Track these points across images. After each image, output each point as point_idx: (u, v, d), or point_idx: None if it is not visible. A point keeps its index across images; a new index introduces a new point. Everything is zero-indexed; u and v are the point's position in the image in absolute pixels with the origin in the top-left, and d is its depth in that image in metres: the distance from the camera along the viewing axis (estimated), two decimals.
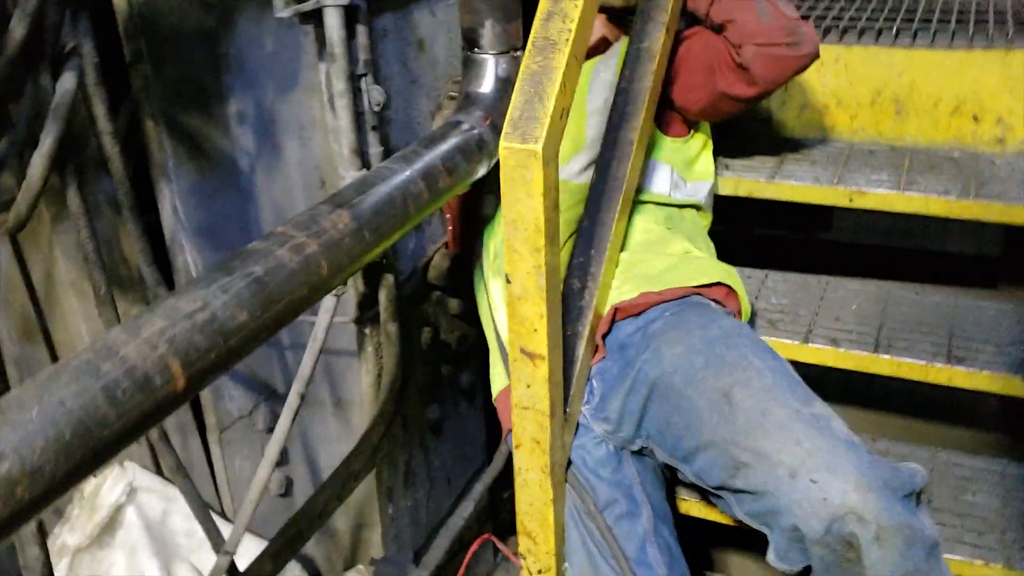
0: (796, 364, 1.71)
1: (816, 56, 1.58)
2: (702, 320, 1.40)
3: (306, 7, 1.38)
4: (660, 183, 1.66)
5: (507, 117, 1.20)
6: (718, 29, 1.59)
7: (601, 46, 1.86)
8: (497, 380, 1.64)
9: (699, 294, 1.50)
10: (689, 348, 1.34)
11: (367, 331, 1.70)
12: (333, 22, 1.39)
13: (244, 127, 1.85)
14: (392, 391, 1.71)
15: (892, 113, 1.99)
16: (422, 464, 1.97)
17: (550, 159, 1.20)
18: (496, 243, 1.65)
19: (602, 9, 1.83)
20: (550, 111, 1.18)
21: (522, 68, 1.21)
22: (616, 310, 1.49)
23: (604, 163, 1.55)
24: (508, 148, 1.19)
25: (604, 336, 1.49)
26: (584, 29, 1.23)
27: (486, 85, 1.57)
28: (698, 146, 1.73)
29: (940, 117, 1.95)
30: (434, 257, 1.84)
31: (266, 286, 1.05)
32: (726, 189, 1.86)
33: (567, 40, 1.20)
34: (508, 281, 1.28)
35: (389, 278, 1.63)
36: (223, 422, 2.01)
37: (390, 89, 1.65)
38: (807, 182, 1.81)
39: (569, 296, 1.48)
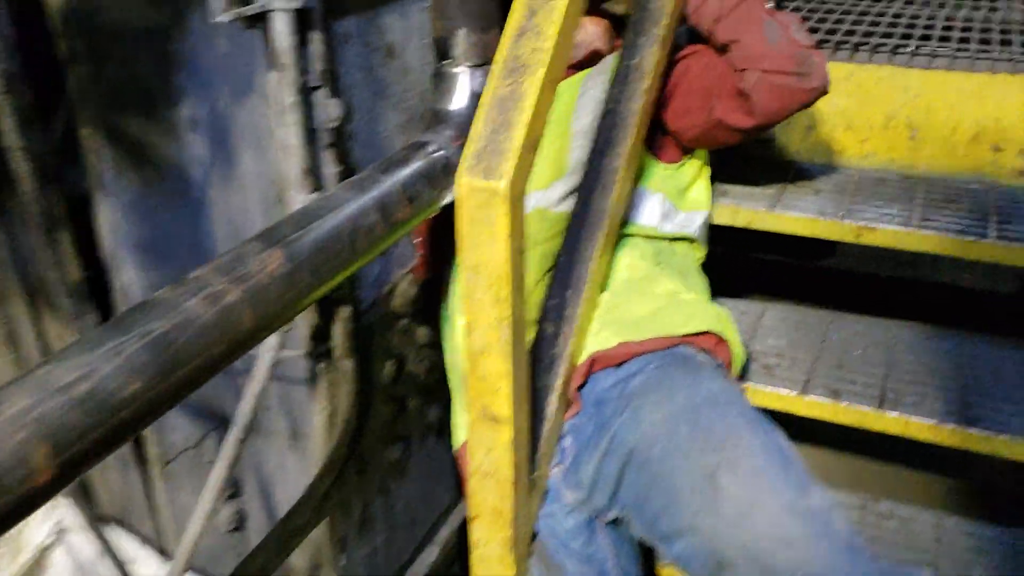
0: (793, 418, 1.56)
1: (824, 91, 1.42)
2: (687, 380, 1.24)
3: (250, 10, 1.21)
4: (649, 213, 1.50)
5: (468, 148, 1.04)
6: (722, 49, 1.43)
7: (592, 58, 1.69)
8: (459, 430, 1.48)
9: (686, 343, 1.33)
10: (671, 415, 1.18)
11: (320, 366, 1.54)
12: (281, 28, 1.23)
13: (196, 134, 1.69)
14: (346, 434, 1.55)
15: (906, 138, 1.83)
16: (381, 508, 1.81)
17: (517, 198, 1.03)
18: None
19: (604, 15, 1.67)
20: (519, 144, 1.02)
21: (487, 92, 1.05)
22: (593, 360, 1.33)
23: (586, 192, 1.38)
24: (469, 185, 1.02)
25: (579, 388, 1.33)
26: (562, 48, 1.07)
27: (458, 101, 1.41)
28: (693, 173, 1.57)
29: (958, 145, 1.79)
30: (400, 284, 1.67)
31: (169, 346, 0.88)
32: (722, 218, 1.70)
33: (541, 62, 1.03)
34: (467, 333, 1.12)
35: (345, 310, 1.47)
36: (167, 454, 1.85)
37: (352, 100, 1.48)
38: (811, 214, 1.65)
39: (541, 343, 1.32)
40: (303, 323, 1.51)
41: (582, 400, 1.33)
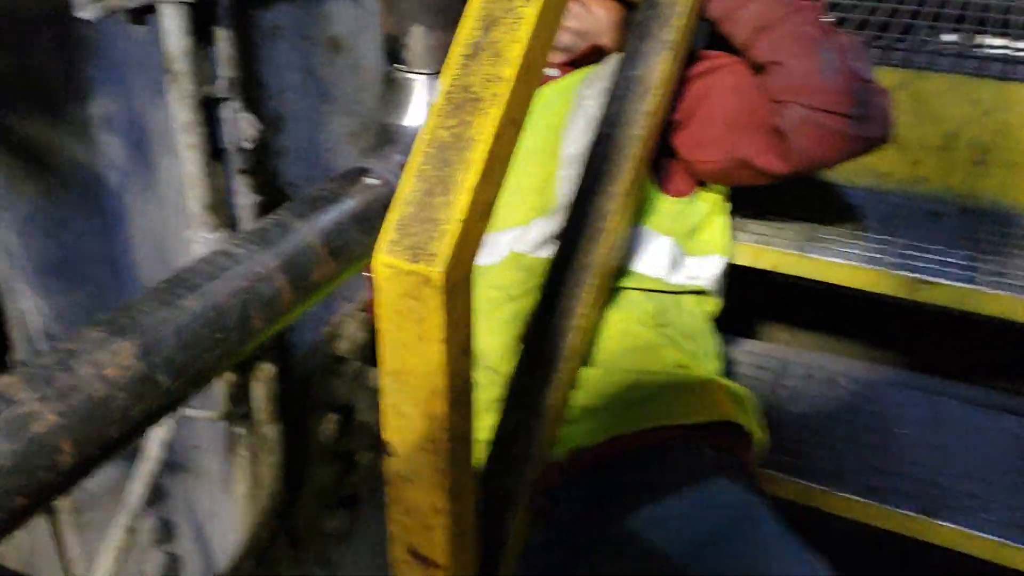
0: (824, 515, 1.28)
1: (884, 142, 1.11)
2: (695, 495, 0.95)
3: (132, 1, 0.91)
4: (653, 261, 1.20)
5: (391, 213, 0.74)
6: (758, 69, 1.12)
7: (594, 54, 1.38)
8: None
9: (693, 438, 1.04)
10: (680, 539, 0.89)
11: (239, 433, 1.26)
12: (172, 26, 0.93)
13: (111, 135, 1.40)
14: (271, 510, 1.28)
15: (969, 163, 1.51)
16: None
17: (458, 287, 0.74)
18: None
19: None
20: (462, 210, 0.72)
21: (422, 134, 0.75)
22: (571, 458, 1.04)
23: (570, 241, 1.08)
24: (389, 267, 0.73)
25: (551, 492, 1.05)
26: (530, 75, 0.76)
27: (412, 116, 1.11)
28: (707, 208, 1.26)
29: None
30: (346, 325, 1.39)
31: None
32: (742, 259, 1.39)
33: (498, 96, 0.73)
34: (389, 453, 0.83)
35: (267, 369, 1.19)
36: (79, 502, 1.59)
37: (285, 107, 1.19)
38: (853, 260, 1.34)
39: (505, 436, 1.03)
40: (219, 381, 1.23)
41: (555, 509, 1.04)
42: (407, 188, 0.74)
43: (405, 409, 0.79)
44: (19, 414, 0.67)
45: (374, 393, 1.54)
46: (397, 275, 0.73)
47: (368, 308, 1.42)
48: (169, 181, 1.38)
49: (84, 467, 0.71)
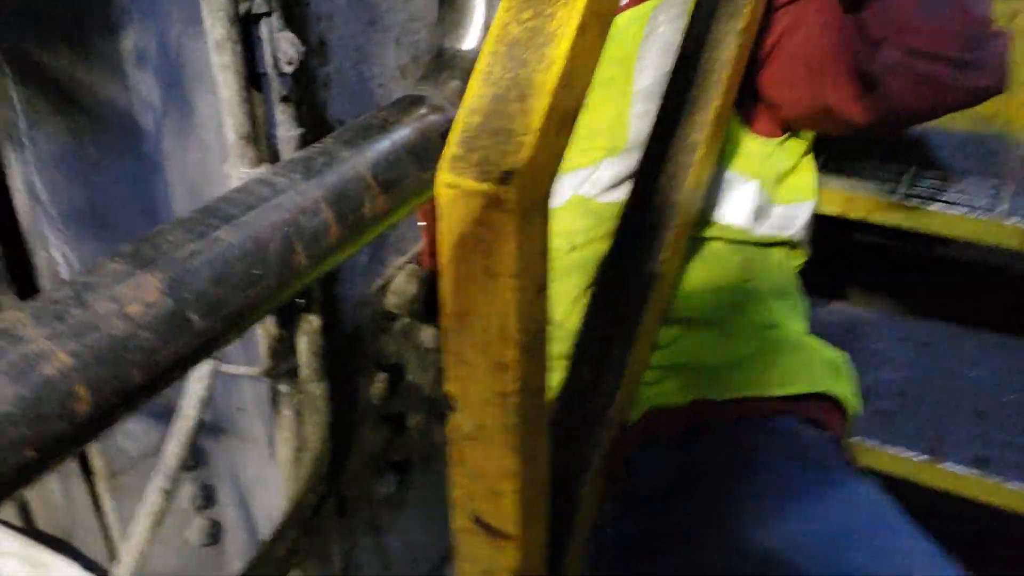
0: (922, 490, 1.15)
1: (997, 92, 0.96)
2: (816, 493, 0.82)
3: None
4: (737, 209, 1.07)
5: (455, 125, 0.63)
6: (854, 6, 0.97)
7: None
8: None
9: (786, 411, 0.92)
10: (792, 547, 0.77)
11: (282, 390, 1.17)
12: None
13: (144, 71, 1.31)
14: (317, 473, 1.19)
15: None
16: (372, 550, 1.46)
17: (533, 210, 0.63)
18: None
19: None
20: (538, 120, 0.61)
21: (493, 32, 0.64)
22: (649, 421, 0.93)
23: (648, 179, 0.96)
24: (454, 187, 0.62)
25: (627, 459, 0.94)
26: None
27: (471, 39, 0.99)
28: (798, 151, 1.13)
29: None
30: (396, 278, 1.28)
31: None
32: (831, 206, 1.27)
33: None
34: (450, 407, 0.73)
35: (312, 321, 1.09)
36: (116, 465, 1.52)
37: (331, 34, 1.08)
38: (958, 208, 1.21)
39: (574, 395, 0.92)
40: (260, 334, 1.14)
41: (631, 479, 0.93)
42: (474, 92, 0.62)
43: (470, 357, 0.69)
44: (26, 353, 0.57)
45: (425, 352, 1.43)
46: (462, 197, 0.62)
47: (421, 259, 1.32)
48: (208, 122, 1.29)
49: (103, 416, 0.61)
